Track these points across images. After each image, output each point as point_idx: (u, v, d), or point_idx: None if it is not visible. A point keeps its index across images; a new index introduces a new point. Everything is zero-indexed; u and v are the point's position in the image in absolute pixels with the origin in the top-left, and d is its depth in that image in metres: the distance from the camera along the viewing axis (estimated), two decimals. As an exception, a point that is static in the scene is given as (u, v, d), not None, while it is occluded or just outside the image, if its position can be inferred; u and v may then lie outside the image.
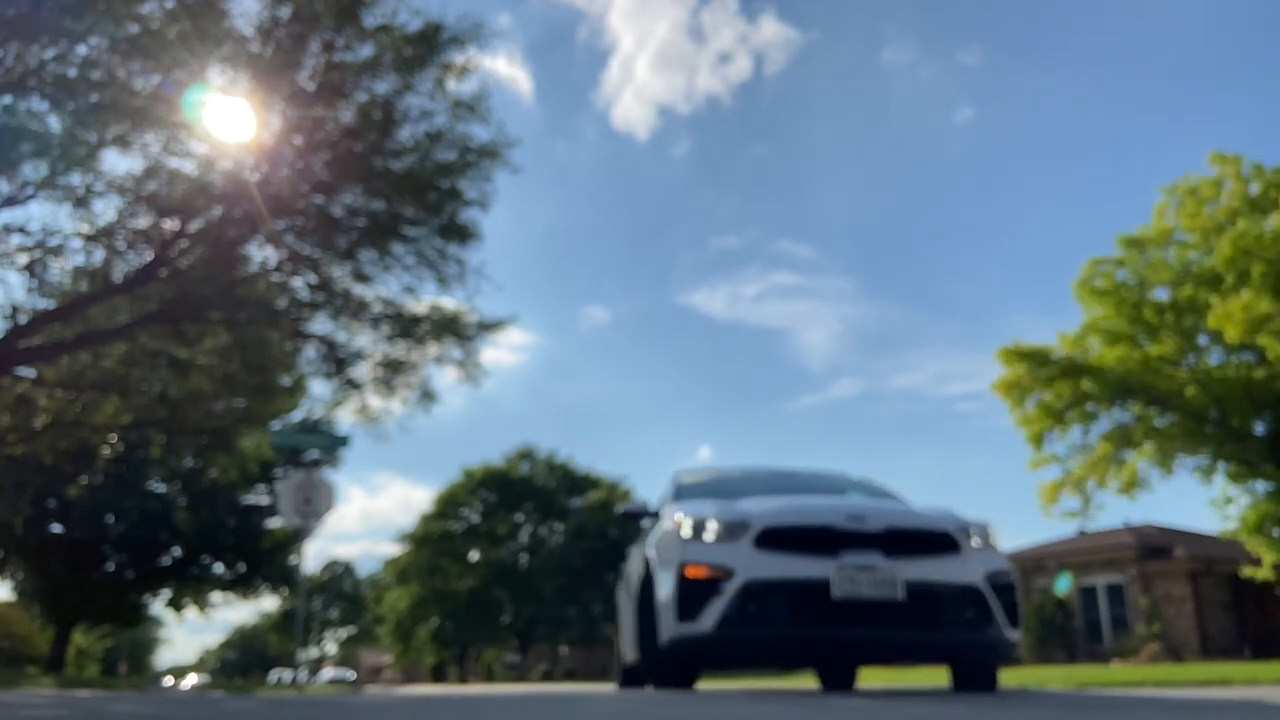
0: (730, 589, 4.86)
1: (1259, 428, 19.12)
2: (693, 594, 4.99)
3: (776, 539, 4.97)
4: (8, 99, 11.67)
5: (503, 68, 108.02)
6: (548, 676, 47.21)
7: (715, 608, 4.89)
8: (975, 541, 5.17)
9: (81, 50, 11.29)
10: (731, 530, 5.06)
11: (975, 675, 5.49)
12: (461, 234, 14.12)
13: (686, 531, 5.23)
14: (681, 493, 6.41)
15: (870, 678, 8.85)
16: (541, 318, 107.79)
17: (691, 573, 5.03)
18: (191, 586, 33.38)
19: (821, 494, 6.10)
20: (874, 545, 4.94)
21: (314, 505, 12.47)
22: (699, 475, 6.89)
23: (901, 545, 4.99)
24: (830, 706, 4.06)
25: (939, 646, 5.20)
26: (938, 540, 5.11)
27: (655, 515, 6.41)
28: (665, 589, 5.26)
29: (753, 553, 4.94)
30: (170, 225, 13.36)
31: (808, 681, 11.78)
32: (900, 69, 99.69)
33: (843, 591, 4.80)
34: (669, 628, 5.15)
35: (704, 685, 8.07)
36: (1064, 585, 27.74)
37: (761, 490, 6.06)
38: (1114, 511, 57.44)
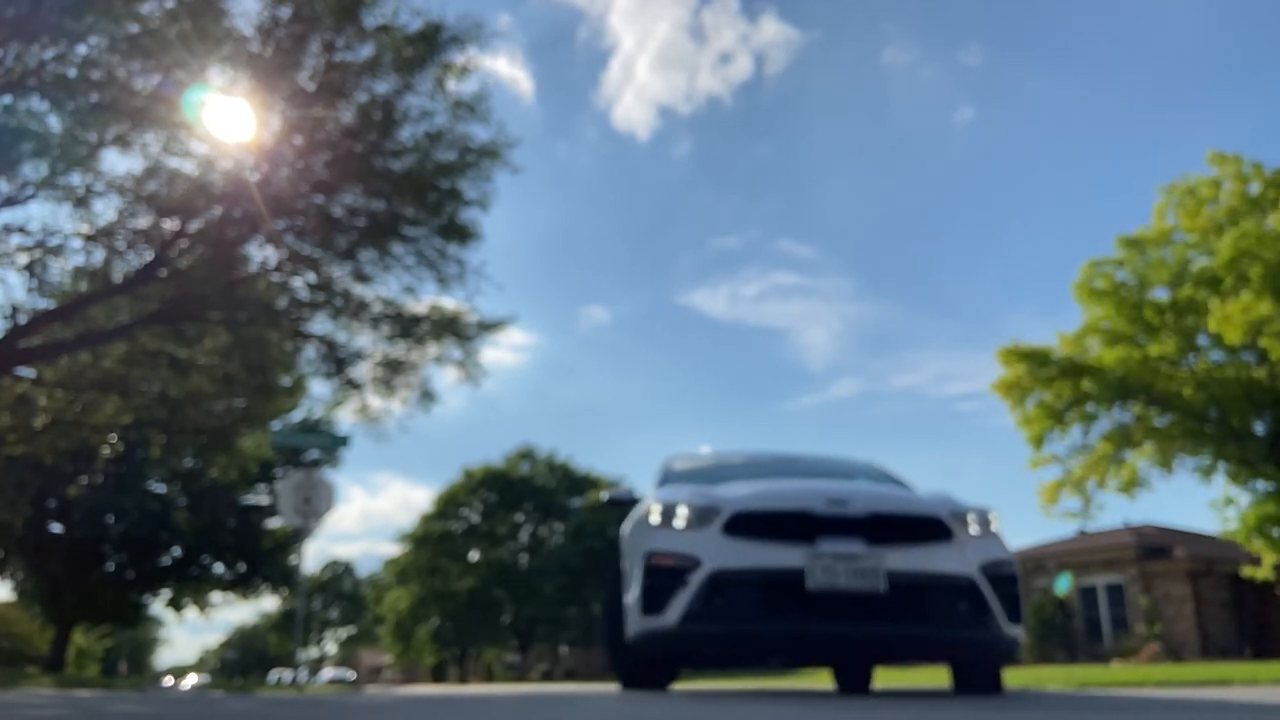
0: (696, 580, 4.49)
1: (1259, 428, 19.12)
2: (657, 585, 4.62)
3: (747, 525, 4.58)
4: (8, 99, 11.66)
5: (503, 68, 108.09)
6: (548, 676, 47.18)
7: (680, 600, 4.51)
8: (974, 529, 4.74)
9: (81, 50, 11.29)
10: (702, 516, 4.68)
11: (975, 675, 5.11)
12: (461, 234, 14.12)
13: (655, 518, 4.86)
14: (668, 478, 5.99)
15: (885, 678, 8.78)
16: (541, 318, 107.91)
17: (657, 562, 4.67)
18: (191, 586, 33.38)
19: (821, 479, 5.60)
20: (855, 532, 4.52)
21: (314, 505, 12.46)
22: (693, 460, 6.38)
23: (886, 532, 4.56)
24: (829, 707, 4.05)
25: (927, 644, 4.74)
26: (928, 526, 4.67)
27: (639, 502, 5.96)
28: (632, 580, 4.91)
29: (721, 540, 4.56)
30: (170, 225, 13.36)
31: (823, 681, 11.78)
32: (901, 69, 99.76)
33: (818, 582, 4.38)
34: (634, 622, 4.82)
35: (717, 685, 8.05)
36: (1064, 585, 27.74)
37: (758, 475, 5.60)
38: (1114, 511, 57.48)
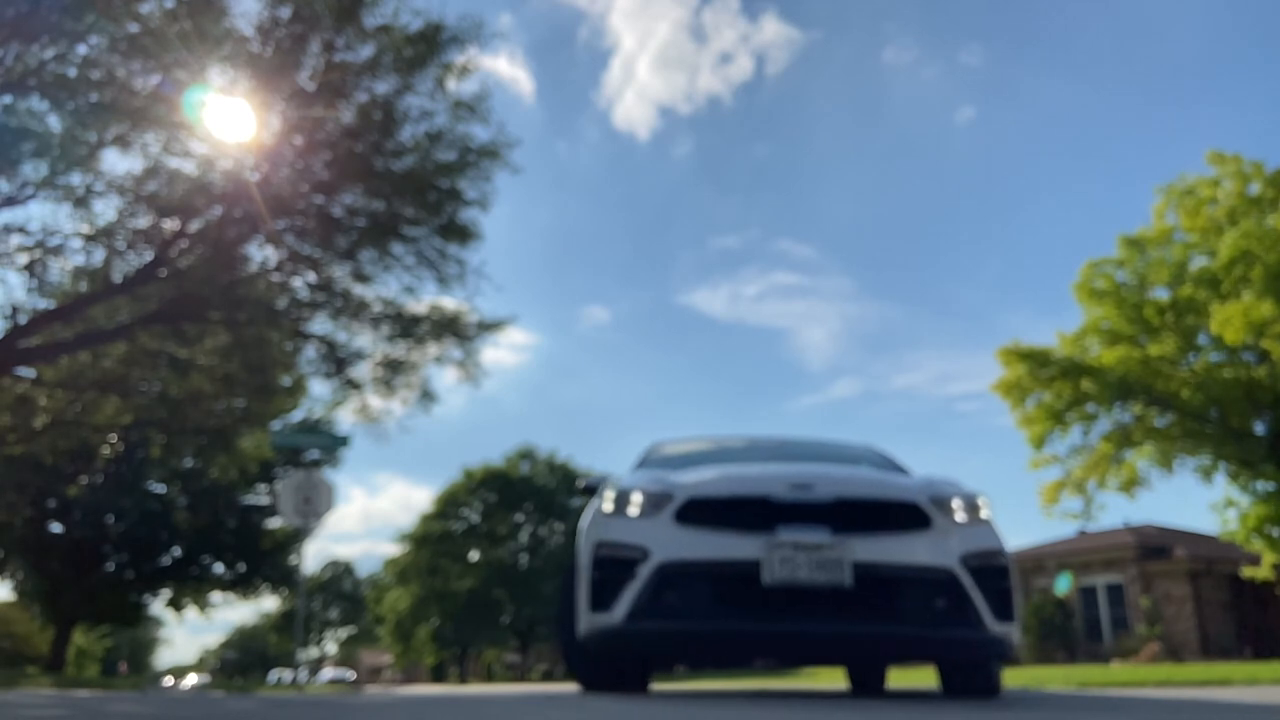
0: (644, 573, 4.13)
1: (1259, 428, 19.12)
2: (605, 579, 4.27)
3: (701, 512, 4.21)
4: (8, 99, 11.68)
5: (504, 68, 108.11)
6: (548, 676, 47.20)
7: (628, 595, 4.16)
8: (959, 516, 4.29)
9: (81, 50, 11.30)
10: (655, 503, 4.30)
11: (964, 677, 4.71)
12: (461, 234, 14.13)
13: (608, 506, 4.48)
14: (645, 463, 5.59)
15: (900, 679, 8.71)
16: (541, 318, 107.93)
17: (605, 553, 4.32)
18: (191, 586, 33.40)
19: (816, 463, 5.20)
20: (820, 519, 4.12)
21: (314, 505, 12.46)
22: (684, 445, 5.93)
23: (855, 519, 4.15)
24: (826, 708, 4.05)
25: (899, 643, 4.28)
26: (903, 513, 4.24)
27: None
28: (582, 573, 4.57)
29: (673, 529, 4.20)
30: (170, 225, 13.37)
31: (835, 680, 11.77)
32: (901, 69, 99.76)
33: (776, 575, 4.00)
34: (583, 618, 4.48)
35: (722, 685, 8.02)
36: (1064, 585, 27.74)
37: (747, 460, 5.22)
38: (1114, 511, 57.54)
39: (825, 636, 4.16)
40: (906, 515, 4.24)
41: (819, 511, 4.16)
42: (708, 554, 4.13)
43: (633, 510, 4.37)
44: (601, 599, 4.27)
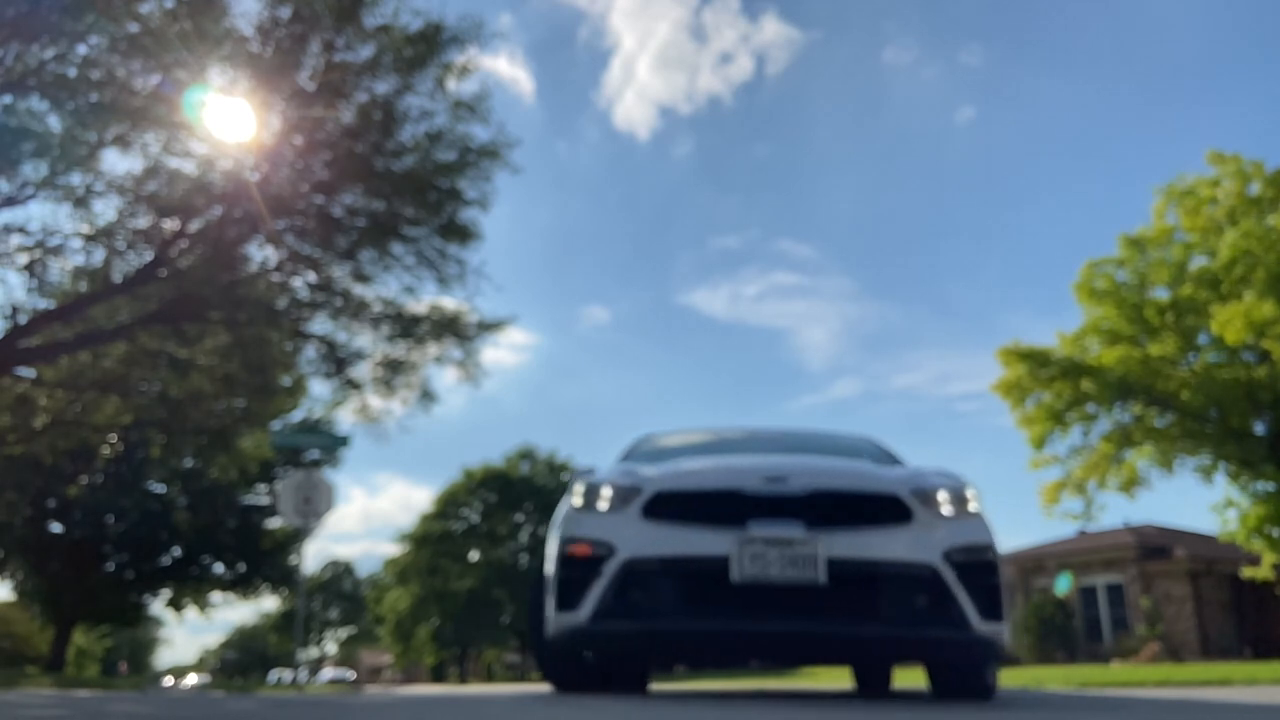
0: (609, 570, 4.00)
1: (1259, 428, 19.12)
2: (572, 577, 4.14)
3: (669, 506, 4.06)
4: (8, 99, 11.67)
5: (504, 68, 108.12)
6: (548, 676, 47.24)
7: (594, 593, 4.02)
8: (945, 509, 4.08)
9: (81, 50, 11.30)
10: (624, 497, 4.15)
11: (956, 678, 4.48)
12: (461, 234, 14.13)
13: (578, 500, 4.35)
14: (630, 455, 5.40)
15: (908, 678, 8.70)
16: (541, 318, 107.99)
17: (571, 551, 4.18)
18: (191, 586, 33.37)
19: (809, 455, 5.01)
20: (794, 513, 3.95)
21: (314, 505, 12.44)
22: (675, 437, 5.70)
23: (831, 513, 3.97)
24: (820, 708, 4.05)
25: (875, 644, 4.09)
26: (882, 506, 4.05)
27: None
28: (550, 571, 4.42)
29: (640, 524, 4.05)
30: (170, 225, 13.37)
31: (840, 679, 11.75)
32: (901, 69, 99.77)
33: (745, 572, 3.84)
34: (551, 618, 4.33)
35: (722, 685, 8.02)
36: (1064, 585, 27.74)
37: (738, 452, 5.05)
38: (1114, 511, 57.54)
39: (797, 636, 3.99)
40: (887, 508, 4.05)
41: (793, 505, 3.98)
42: (675, 550, 3.98)
43: (602, 505, 4.21)
44: (567, 598, 4.13)
